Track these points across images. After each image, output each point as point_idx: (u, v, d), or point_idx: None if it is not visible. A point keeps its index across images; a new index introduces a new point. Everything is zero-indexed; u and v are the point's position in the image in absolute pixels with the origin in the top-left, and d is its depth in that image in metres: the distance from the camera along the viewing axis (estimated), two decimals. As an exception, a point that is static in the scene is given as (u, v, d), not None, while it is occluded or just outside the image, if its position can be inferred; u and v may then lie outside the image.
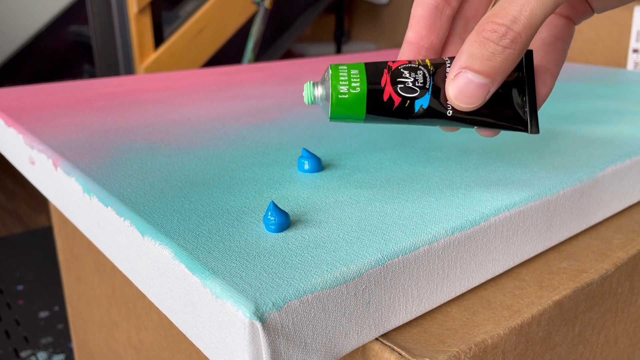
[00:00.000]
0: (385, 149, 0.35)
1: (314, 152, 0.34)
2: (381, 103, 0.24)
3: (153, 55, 1.55)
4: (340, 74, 0.24)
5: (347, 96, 0.24)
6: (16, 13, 2.13)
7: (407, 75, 0.24)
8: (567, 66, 0.67)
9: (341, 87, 0.24)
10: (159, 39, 1.58)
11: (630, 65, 0.76)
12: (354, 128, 0.40)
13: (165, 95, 0.52)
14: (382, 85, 0.24)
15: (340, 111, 0.24)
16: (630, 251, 0.30)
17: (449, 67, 0.24)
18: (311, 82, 0.25)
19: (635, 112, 0.44)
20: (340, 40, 2.35)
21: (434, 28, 0.26)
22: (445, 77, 0.24)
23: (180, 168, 0.32)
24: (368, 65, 0.25)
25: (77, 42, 2.23)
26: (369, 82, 0.24)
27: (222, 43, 1.67)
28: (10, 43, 2.14)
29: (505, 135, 0.38)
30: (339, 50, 2.35)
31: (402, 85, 0.24)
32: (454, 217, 0.25)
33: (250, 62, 1.71)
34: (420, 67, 0.24)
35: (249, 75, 0.63)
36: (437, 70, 0.24)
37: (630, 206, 0.36)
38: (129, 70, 1.57)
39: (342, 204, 0.27)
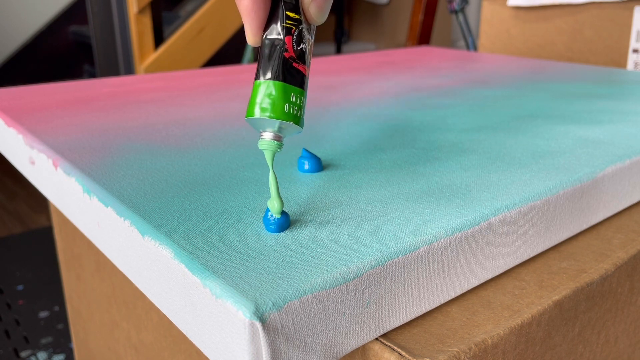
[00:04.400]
0: (385, 149, 0.35)
1: (314, 152, 0.34)
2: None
3: (153, 55, 1.55)
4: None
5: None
6: (16, 13, 2.13)
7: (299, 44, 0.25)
8: (567, 66, 0.68)
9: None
10: (159, 39, 1.58)
11: (630, 65, 0.76)
12: (354, 128, 0.40)
13: (165, 95, 0.52)
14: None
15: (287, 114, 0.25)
16: (630, 251, 0.30)
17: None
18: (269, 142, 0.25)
19: (635, 112, 0.44)
20: (340, 40, 2.35)
21: None
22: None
23: (180, 168, 0.32)
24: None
25: (77, 42, 2.23)
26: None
27: (222, 43, 1.68)
28: (10, 43, 2.15)
29: (505, 135, 0.38)
30: (339, 50, 2.35)
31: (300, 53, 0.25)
32: (454, 217, 0.25)
33: (250, 62, 1.71)
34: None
35: (249, 75, 0.63)
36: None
37: (630, 206, 0.36)
38: (129, 70, 1.57)
39: (342, 204, 0.27)
